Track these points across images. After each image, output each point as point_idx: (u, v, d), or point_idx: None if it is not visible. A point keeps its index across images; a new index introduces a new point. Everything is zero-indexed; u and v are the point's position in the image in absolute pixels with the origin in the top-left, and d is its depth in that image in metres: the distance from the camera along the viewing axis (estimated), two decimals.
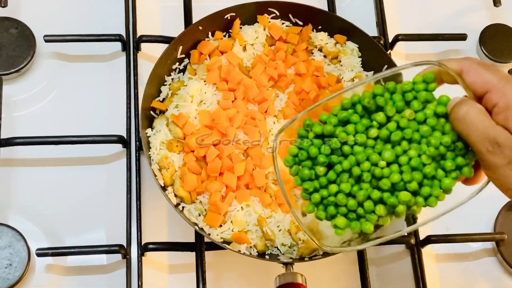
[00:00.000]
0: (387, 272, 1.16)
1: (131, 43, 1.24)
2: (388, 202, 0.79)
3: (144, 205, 1.13)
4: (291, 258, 1.05)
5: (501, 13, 1.37)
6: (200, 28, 1.17)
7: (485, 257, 1.18)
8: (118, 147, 1.17)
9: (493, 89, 0.75)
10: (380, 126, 0.81)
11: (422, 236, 1.15)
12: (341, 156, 0.81)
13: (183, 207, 1.07)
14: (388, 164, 0.79)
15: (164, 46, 1.17)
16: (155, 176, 1.06)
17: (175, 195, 1.07)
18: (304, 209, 0.86)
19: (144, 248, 1.09)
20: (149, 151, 1.09)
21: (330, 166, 0.82)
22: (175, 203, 1.07)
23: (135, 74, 1.21)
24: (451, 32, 1.32)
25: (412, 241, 1.14)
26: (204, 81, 1.14)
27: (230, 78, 1.14)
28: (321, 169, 0.82)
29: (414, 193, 0.79)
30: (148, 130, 1.11)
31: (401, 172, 0.78)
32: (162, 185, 1.07)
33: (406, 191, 0.78)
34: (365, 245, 0.86)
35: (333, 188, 0.81)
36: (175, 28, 1.22)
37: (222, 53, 1.17)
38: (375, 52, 1.17)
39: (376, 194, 0.79)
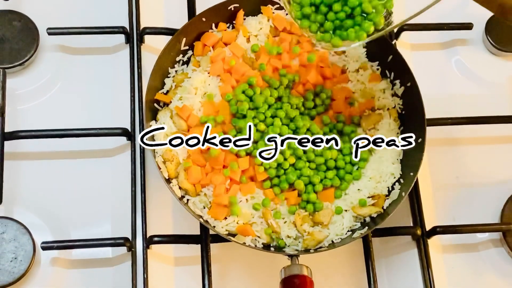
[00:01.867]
0: (394, 263, 1.15)
1: (134, 35, 1.23)
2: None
3: (149, 198, 1.13)
4: (296, 250, 1.05)
5: None
6: (204, 19, 1.16)
7: (491, 248, 1.18)
8: (123, 139, 1.17)
9: None
10: None
11: (428, 227, 1.14)
12: None
13: (187, 200, 1.07)
14: None
15: (167, 38, 1.16)
16: (160, 168, 1.06)
17: (180, 188, 1.07)
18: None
19: (149, 241, 1.09)
20: None
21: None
22: (180, 196, 1.06)
23: (139, 67, 1.21)
24: (456, 21, 1.31)
25: (419, 232, 1.13)
26: (208, 73, 1.14)
27: (234, 69, 1.13)
28: None
29: None
30: (152, 123, 1.11)
31: None
32: (167, 177, 1.07)
33: None
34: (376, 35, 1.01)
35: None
36: (179, 20, 1.22)
37: (226, 44, 1.16)
38: (380, 42, 1.15)
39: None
